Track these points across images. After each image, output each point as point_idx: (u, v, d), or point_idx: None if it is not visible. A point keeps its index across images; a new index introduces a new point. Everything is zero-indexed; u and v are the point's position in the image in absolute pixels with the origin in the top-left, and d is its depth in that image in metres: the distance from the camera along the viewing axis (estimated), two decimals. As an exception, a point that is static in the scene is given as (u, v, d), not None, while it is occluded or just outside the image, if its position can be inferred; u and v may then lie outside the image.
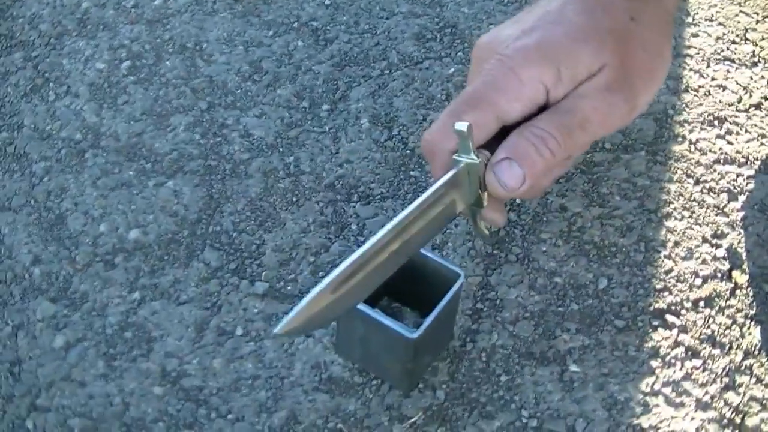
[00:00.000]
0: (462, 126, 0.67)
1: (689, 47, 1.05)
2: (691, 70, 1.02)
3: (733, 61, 1.03)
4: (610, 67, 0.76)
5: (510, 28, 0.78)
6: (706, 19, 1.08)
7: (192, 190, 0.89)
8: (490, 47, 0.77)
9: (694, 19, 1.08)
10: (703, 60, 1.03)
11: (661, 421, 0.77)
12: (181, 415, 0.75)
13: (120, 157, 0.92)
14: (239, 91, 0.98)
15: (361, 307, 0.71)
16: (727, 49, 1.05)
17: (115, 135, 0.94)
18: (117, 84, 0.98)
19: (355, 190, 0.90)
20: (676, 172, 0.93)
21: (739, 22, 1.08)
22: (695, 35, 1.06)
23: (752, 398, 0.79)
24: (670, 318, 0.83)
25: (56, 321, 0.81)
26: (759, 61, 1.04)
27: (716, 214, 0.90)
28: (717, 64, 1.03)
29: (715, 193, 0.92)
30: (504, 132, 0.74)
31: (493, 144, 0.73)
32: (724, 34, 1.06)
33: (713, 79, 1.02)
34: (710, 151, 0.95)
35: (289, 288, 0.83)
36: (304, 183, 0.90)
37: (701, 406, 0.78)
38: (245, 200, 0.89)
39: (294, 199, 0.89)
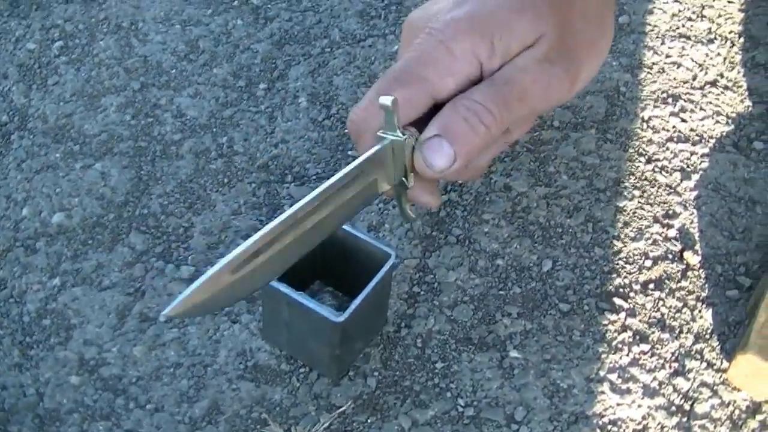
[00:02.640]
0: (386, 100, 0.61)
1: (644, 24, 1.00)
2: (645, 47, 0.97)
3: (688, 38, 0.98)
4: (549, 37, 0.70)
5: (442, 1, 0.72)
6: (662, -4, 1.03)
7: (120, 172, 0.84)
8: (420, 22, 0.71)
9: (649, -4, 1.03)
10: (657, 37, 0.98)
11: (606, 409, 0.72)
12: (97, 405, 0.70)
13: (47, 139, 0.87)
14: (174, 71, 0.92)
15: (285, 289, 0.66)
16: (683, 26, 1.00)
17: (44, 116, 0.88)
18: (48, 64, 0.93)
19: (289, 171, 0.84)
20: (627, 151, 0.88)
21: (696, -2, 1.03)
22: (650, 12, 1.01)
23: (703, 384, 0.74)
24: (617, 301, 0.78)
25: (-29, 309, 0.75)
26: (715, 39, 0.99)
27: (668, 194, 0.85)
28: (672, 41, 0.98)
29: (667, 171, 0.87)
30: (436, 109, 0.68)
31: (424, 123, 0.66)
32: (680, 11, 1.01)
33: (668, 56, 0.97)
34: (663, 129, 0.90)
35: (217, 272, 0.77)
36: (236, 164, 0.85)
37: (649, 392, 0.73)
38: (175, 182, 0.83)
39: (225, 180, 0.84)
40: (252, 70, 0.93)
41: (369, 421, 0.70)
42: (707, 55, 0.97)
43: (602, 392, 0.72)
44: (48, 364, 0.72)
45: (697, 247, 0.81)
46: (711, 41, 0.99)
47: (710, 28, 1.00)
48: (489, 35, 0.67)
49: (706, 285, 0.79)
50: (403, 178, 0.66)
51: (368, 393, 0.71)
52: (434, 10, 0.71)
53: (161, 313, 0.59)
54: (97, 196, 0.82)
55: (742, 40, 0.99)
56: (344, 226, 0.69)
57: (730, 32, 0.99)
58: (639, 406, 0.72)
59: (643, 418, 0.71)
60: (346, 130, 0.87)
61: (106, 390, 0.71)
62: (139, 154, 0.86)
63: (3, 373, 0.72)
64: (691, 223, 0.83)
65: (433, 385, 0.72)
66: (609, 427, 0.71)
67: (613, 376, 0.73)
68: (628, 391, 0.73)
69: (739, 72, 0.96)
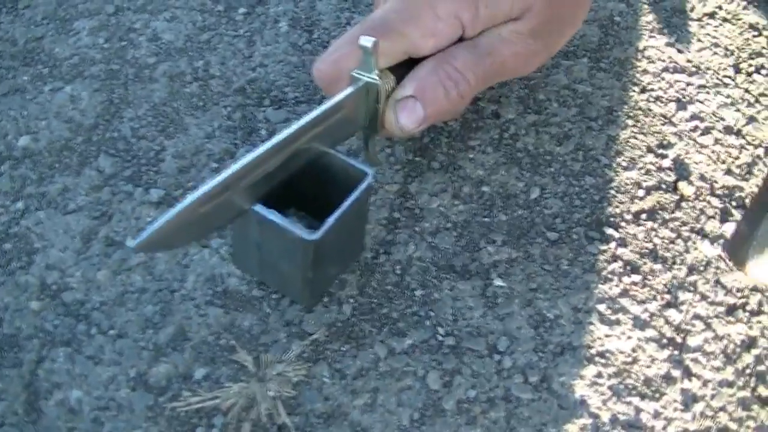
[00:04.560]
0: (368, 41, 0.59)
1: (641, -46, 0.94)
2: (641, -24, 0.92)
3: (687, -32, 0.93)
4: (535, 11, 0.67)
5: None
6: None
7: (91, 95, 0.79)
8: None
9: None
10: (654, -34, 0.93)
11: (594, 340, 0.67)
12: (58, 331, 0.65)
13: (15, 62, 0.81)
14: (150, -7, 0.87)
15: (257, 208, 0.61)
16: (682, -44, 0.94)
17: (13, 39, 0.83)
18: (19, -13, 0.87)
19: (267, 95, 0.79)
20: (621, 80, 0.83)
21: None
22: (647, -58, 0.95)
23: (695, 316, 0.69)
24: (608, 231, 0.73)
25: (-71, 232, 0.70)
26: (715, -30, 0.93)
27: (663, 124, 0.80)
28: (670, -29, 0.93)
29: (662, 102, 0.81)
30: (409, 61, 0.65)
31: (394, 70, 0.64)
32: (678, -59, 0.96)
33: (665, -14, 0.91)
34: (659, 59, 0.85)
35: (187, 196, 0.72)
36: (212, 87, 0.80)
37: (639, 324, 0.68)
38: (147, 105, 0.78)
39: (200, 104, 0.78)
40: (231, -5, 0.87)
41: (343, 349, 0.65)
42: (706, -14, 0.92)
43: (590, 323, 0.67)
44: (7, 288, 0.67)
45: (692, 178, 0.76)
46: (710, -27, 0.93)
47: (710, -40, 0.94)
48: (473, 1, 0.64)
49: (701, 216, 0.74)
50: (373, 122, 0.65)
51: (343, 320, 0.66)
52: None
53: (127, 243, 0.55)
54: (66, 119, 0.77)
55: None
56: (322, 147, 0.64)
57: (731, -36, 0.94)
58: (629, 337, 0.67)
59: (633, 350, 0.67)
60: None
61: (67, 315, 0.66)
62: (111, 77, 0.80)
63: (-40, 297, 0.67)
64: (687, 153, 0.78)
65: (412, 313, 0.67)
66: (597, 358, 0.66)
67: (602, 307, 0.68)
68: (618, 322, 0.68)
69: (738, 5, 0.90)
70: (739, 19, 0.89)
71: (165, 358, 0.64)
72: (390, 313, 0.67)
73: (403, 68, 0.65)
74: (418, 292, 0.68)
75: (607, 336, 0.67)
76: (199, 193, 0.54)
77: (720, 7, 0.90)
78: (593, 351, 0.66)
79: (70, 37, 0.83)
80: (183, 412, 0.61)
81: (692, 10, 0.89)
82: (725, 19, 0.88)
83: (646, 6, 0.89)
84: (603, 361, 0.65)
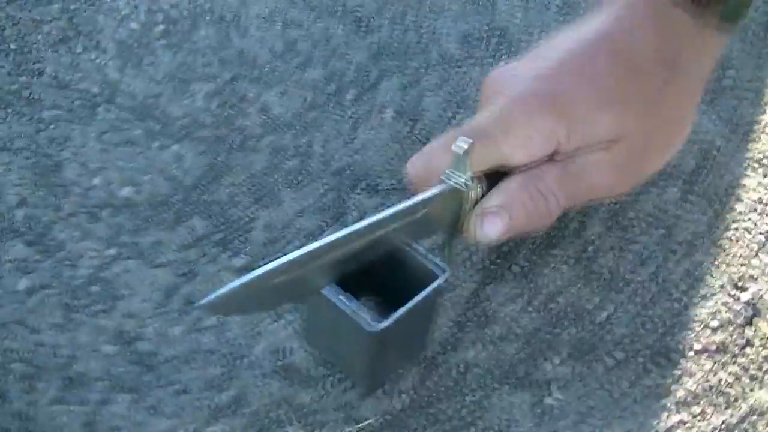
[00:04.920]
0: (464, 143, 0.63)
1: (750, 82, 0.96)
2: (747, 109, 0.93)
3: (796, 108, 0.94)
4: (629, 139, 0.70)
5: (529, 65, 0.72)
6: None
7: (195, 156, 0.84)
8: (504, 82, 0.71)
9: (759, 57, 0.99)
10: (763, 100, 0.94)
11: (642, 468, 0.68)
12: (125, 377, 0.69)
13: (131, 116, 0.87)
14: (267, 67, 0.92)
15: (328, 289, 0.64)
16: (792, 93, 0.96)
17: (132, 94, 0.89)
18: (147, 45, 0.94)
19: (363, 180, 0.83)
20: (710, 209, 0.84)
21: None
22: (759, 68, 0.97)
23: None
24: (672, 361, 0.74)
25: (26, 264, 0.76)
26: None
27: (745, 260, 0.81)
28: (778, 107, 0.94)
29: (749, 235, 0.83)
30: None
31: (484, 178, 0.69)
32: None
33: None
34: (751, 195, 0.86)
35: (270, 267, 0.76)
36: (311, 165, 0.84)
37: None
38: (246, 174, 0.83)
39: (297, 179, 0.83)
40: (344, 78, 0.92)
41: (392, 438, 0.67)
42: (812, 128, 0.93)
43: (640, 450, 0.69)
44: (87, 329, 0.72)
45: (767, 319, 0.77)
46: (819, 113, 0.94)
47: (821, 101, 0.96)
48: (572, 121, 0.68)
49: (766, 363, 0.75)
50: (457, 224, 0.69)
51: (396, 411, 0.69)
52: (522, 73, 0.71)
53: (199, 302, 0.59)
54: (169, 176, 0.82)
55: None
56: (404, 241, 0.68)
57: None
58: (677, 470, 0.68)
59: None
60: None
61: (137, 364, 0.70)
62: (217, 142, 0.85)
63: (43, 331, 0.72)
64: (766, 293, 0.79)
65: (461, 417, 0.69)
66: (641, 486, 0.67)
67: (654, 436, 0.70)
68: (668, 454, 0.69)
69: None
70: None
71: (222, 419, 0.67)
72: (442, 412, 0.69)
73: (493, 178, 0.69)
74: (470, 397, 0.70)
75: (655, 466, 0.68)
76: (276, 264, 0.58)
77: (825, 151, 0.91)
78: (639, 479, 0.67)
79: (185, 98, 0.89)
80: (230, 475, 0.65)
81: (796, 150, 0.91)
82: None
83: (746, 138, 0.90)
84: (647, 490, 0.67)
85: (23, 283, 0.74)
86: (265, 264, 0.59)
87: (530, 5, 1.01)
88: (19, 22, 0.95)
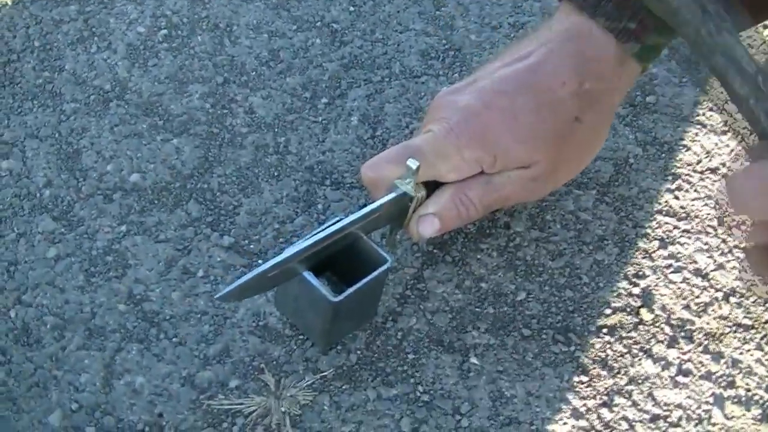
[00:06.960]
0: (413, 164, 0.88)
1: (668, 106, 1.21)
2: (662, 126, 1.18)
3: (704, 125, 1.19)
4: (541, 164, 0.95)
5: (468, 93, 0.94)
6: (693, 84, 1.24)
7: (192, 149, 1.09)
8: (446, 108, 0.94)
9: (680, 81, 1.24)
10: (676, 120, 1.19)
11: (536, 420, 0.93)
12: (135, 330, 0.94)
13: (138, 111, 1.11)
14: (254, 73, 1.17)
15: (302, 269, 0.89)
16: (703, 114, 1.21)
17: (139, 91, 1.13)
18: (151, 48, 1.18)
19: (329, 176, 1.08)
20: (618, 214, 1.09)
21: (722, 92, 1.24)
22: (677, 96, 1.22)
23: (623, 418, 0.95)
24: (572, 336, 0.99)
25: (53, 236, 1.00)
26: (729, 131, 1.20)
27: (643, 257, 1.06)
28: (689, 126, 1.19)
29: (648, 238, 1.08)
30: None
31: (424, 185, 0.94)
32: (704, 101, 1.22)
33: (681, 138, 1.18)
34: (656, 201, 1.12)
35: (251, 246, 1.01)
36: (288, 161, 1.09)
37: (576, 414, 0.94)
38: (234, 167, 1.08)
39: (276, 173, 1.08)
40: (319, 85, 1.17)
41: (343, 387, 0.93)
42: (716, 144, 1.18)
43: (537, 406, 0.94)
44: (104, 291, 0.97)
45: (654, 306, 1.03)
46: (724, 132, 1.20)
47: (726, 121, 1.21)
48: (495, 152, 0.93)
49: (652, 340, 1.00)
50: (401, 221, 0.94)
51: (348, 365, 0.94)
52: (461, 102, 0.94)
53: (215, 296, 0.89)
54: (169, 166, 1.07)
55: (753, 136, 1.20)
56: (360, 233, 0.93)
57: (744, 128, 1.20)
58: (564, 423, 0.94)
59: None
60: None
61: (144, 320, 0.95)
62: (210, 138, 1.10)
63: (68, 291, 0.96)
64: (656, 286, 1.04)
65: (402, 371, 0.95)
66: (535, 433, 0.93)
67: (549, 395, 0.95)
68: (560, 410, 0.94)
69: (742, 165, 1.17)
70: (737, 179, 1.15)
71: (210, 367, 0.93)
72: (385, 367, 0.95)
73: (431, 185, 0.94)
74: (410, 356, 0.96)
75: (548, 418, 0.94)
76: (271, 263, 0.83)
77: (723, 164, 1.16)
78: (534, 428, 0.93)
79: (184, 97, 1.13)
80: (215, 409, 0.90)
81: (699, 162, 1.16)
82: (724, 176, 1.15)
83: (659, 153, 1.16)
84: (539, 436, 0.93)
85: (52, 252, 0.99)
86: (263, 263, 0.83)
87: (484, 24, 1.26)
88: (41, 21, 1.19)
